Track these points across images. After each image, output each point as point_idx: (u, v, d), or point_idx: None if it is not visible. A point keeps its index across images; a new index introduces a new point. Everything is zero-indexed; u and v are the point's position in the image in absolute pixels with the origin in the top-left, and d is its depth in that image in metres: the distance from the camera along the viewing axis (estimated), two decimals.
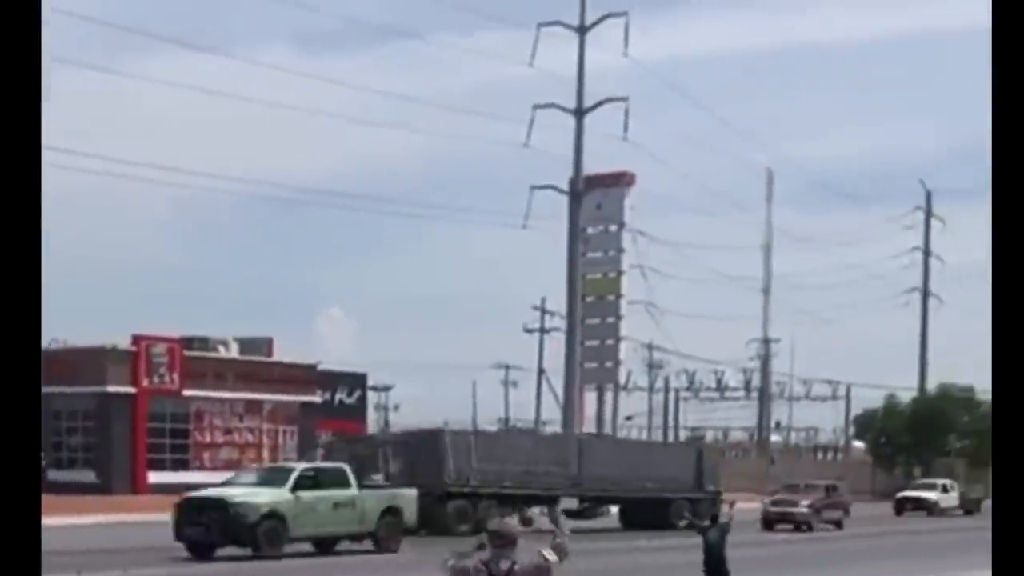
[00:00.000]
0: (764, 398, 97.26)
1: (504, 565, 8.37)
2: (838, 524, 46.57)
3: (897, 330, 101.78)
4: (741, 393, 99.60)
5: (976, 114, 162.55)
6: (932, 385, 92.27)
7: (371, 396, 75.32)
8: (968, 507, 66.34)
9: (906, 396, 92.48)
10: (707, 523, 21.36)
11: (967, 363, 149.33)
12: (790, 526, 45.61)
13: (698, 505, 43.59)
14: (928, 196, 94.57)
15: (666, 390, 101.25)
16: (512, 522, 8.74)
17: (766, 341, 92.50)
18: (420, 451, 40.97)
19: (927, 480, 71.98)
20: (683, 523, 21.30)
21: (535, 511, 43.45)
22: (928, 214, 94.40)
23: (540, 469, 42.68)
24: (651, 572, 28.17)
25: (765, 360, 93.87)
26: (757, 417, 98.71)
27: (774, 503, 47.66)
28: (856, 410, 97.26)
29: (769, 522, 45.85)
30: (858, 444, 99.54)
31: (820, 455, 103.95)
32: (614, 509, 46.25)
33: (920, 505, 64.66)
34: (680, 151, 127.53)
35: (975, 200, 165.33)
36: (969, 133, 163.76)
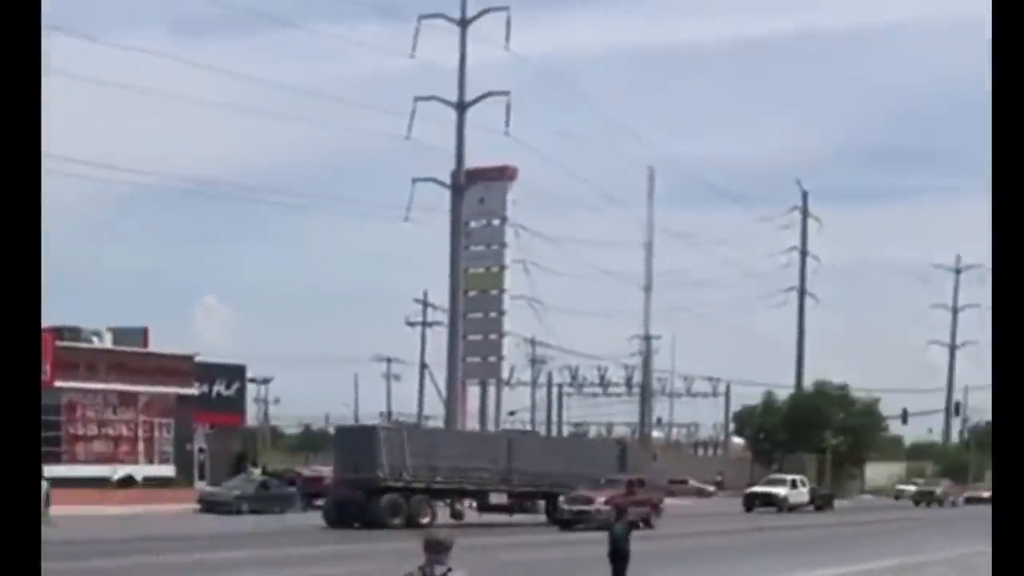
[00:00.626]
0: (646, 394, 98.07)
1: (439, 571, 8.70)
2: (646, 522, 41.55)
3: (775, 328, 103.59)
4: (623, 389, 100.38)
5: (850, 115, 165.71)
6: (809, 382, 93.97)
7: (250, 389, 74.55)
8: (820, 503, 66.61)
9: (784, 393, 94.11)
10: (614, 518, 22.24)
11: (842, 361, 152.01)
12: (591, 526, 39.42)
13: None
14: (804, 196, 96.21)
15: (549, 385, 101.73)
16: (446, 531, 9.09)
17: (647, 338, 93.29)
18: (355, 446, 43.01)
19: (777, 476, 71.13)
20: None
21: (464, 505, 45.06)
22: (805, 214, 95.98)
23: (471, 464, 44.09)
24: (563, 565, 28.65)
25: (647, 356, 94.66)
26: (639, 413, 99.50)
27: (571, 500, 42.98)
28: (735, 407, 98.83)
29: (566, 523, 42.05)
30: (737, 440, 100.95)
31: (701, 451, 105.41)
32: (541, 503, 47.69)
33: (768, 501, 63.23)
34: (562, 147, 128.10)
35: (849, 201, 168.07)
36: (843, 134, 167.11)
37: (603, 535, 20.81)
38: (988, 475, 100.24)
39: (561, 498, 43.57)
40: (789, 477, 68.32)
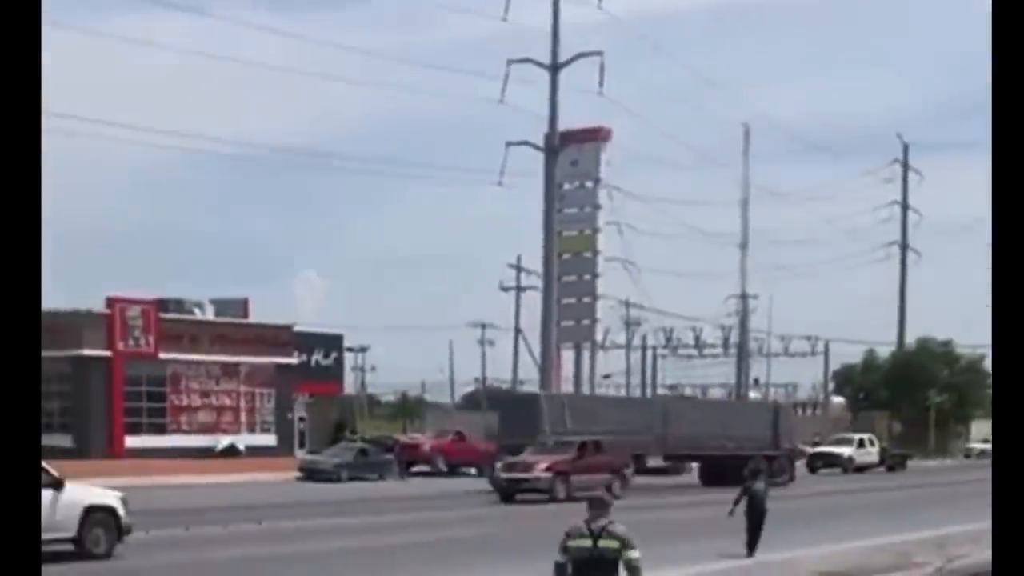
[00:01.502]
0: (742, 355, 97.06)
1: (600, 523, 10.47)
2: (609, 490, 32.72)
3: (875, 285, 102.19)
4: (719, 350, 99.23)
5: (952, 68, 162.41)
6: (911, 340, 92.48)
7: (348, 357, 74.77)
8: (892, 463, 63.38)
9: (885, 351, 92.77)
10: (750, 476, 22.30)
11: (946, 318, 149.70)
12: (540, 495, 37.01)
13: (775, 461, 45.77)
14: (905, 149, 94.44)
15: (644, 348, 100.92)
16: (605, 491, 11.58)
17: (743, 297, 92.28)
18: (519, 412, 45.55)
19: (844, 435, 67.18)
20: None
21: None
22: (905, 167, 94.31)
23: (628, 428, 45.09)
24: (705, 523, 27.64)
25: (743, 316, 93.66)
26: (736, 374, 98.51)
27: (507, 467, 38.83)
28: (835, 366, 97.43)
29: (504, 493, 38.22)
30: (837, 399, 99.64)
31: (799, 411, 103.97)
32: (694, 465, 49.91)
33: (832, 462, 60.18)
34: (656, 106, 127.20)
35: (952, 153, 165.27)
36: (944, 87, 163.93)
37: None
38: None
39: (497, 464, 40.87)
40: (856, 436, 64.96)
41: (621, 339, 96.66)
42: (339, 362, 66.68)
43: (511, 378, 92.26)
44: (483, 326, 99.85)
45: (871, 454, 62.49)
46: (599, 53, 62.22)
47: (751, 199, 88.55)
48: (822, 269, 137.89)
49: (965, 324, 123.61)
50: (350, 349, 78.21)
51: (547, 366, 68.05)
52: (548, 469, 38.05)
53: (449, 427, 62.11)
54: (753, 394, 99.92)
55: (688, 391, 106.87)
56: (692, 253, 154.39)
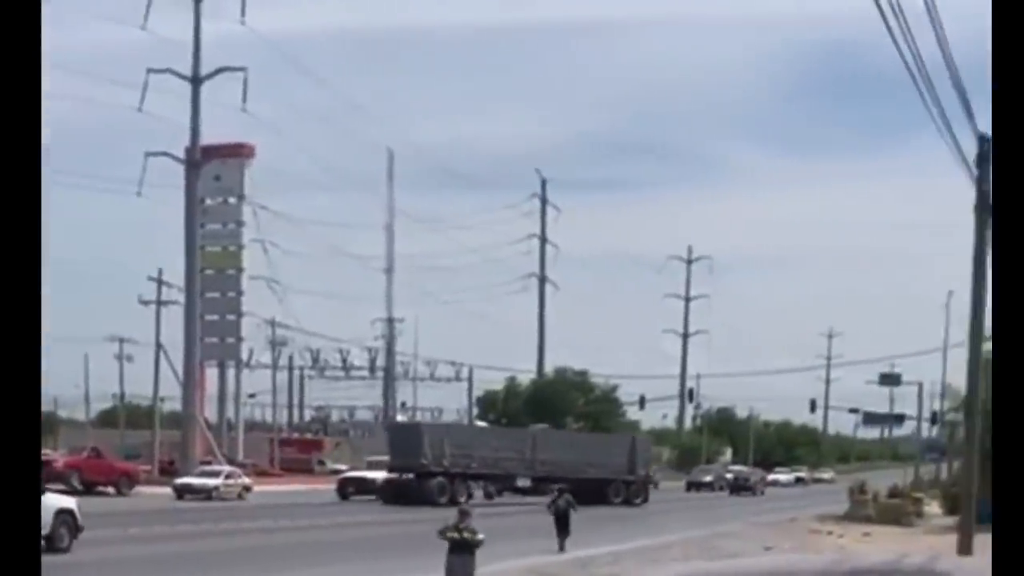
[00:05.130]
0: (389, 378, 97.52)
1: (465, 523, 17.04)
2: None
3: (517, 314, 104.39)
4: (366, 372, 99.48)
5: (592, 108, 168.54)
6: (550, 368, 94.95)
7: None
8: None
9: (526, 378, 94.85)
10: (555, 495, 30.41)
11: (582, 348, 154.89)
12: None
13: (631, 486, 55.52)
14: (543, 184, 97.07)
15: (290, 368, 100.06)
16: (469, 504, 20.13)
17: (390, 321, 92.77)
18: (406, 439, 52.18)
19: (379, 458, 59.40)
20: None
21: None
22: (544, 201, 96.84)
23: (501, 455, 52.60)
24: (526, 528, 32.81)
25: (390, 340, 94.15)
26: (383, 397, 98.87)
27: None
28: (479, 391, 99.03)
29: None
30: (481, 424, 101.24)
31: None
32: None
33: (364, 488, 54.30)
34: (302, 126, 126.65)
35: (587, 191, 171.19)
36: (580, 125, 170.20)
37: None
38: (721, 459, 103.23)
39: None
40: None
41: (267, 358, 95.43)
42: None
43: (152, 395, 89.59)
44: (121, 340, 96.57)
45: None
46: (243, 69, 61.43)
47: (397, 224, 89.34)
48: (466, 296, 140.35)
49: (600, 354, 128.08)
50: None
51: (190, 383, 66.42)
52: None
53: (85, 444, 59.60)
54: (400, 417, 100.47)
55: (335, 413, 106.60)
56: (339, 275, 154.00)
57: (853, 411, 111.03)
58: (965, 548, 23.40)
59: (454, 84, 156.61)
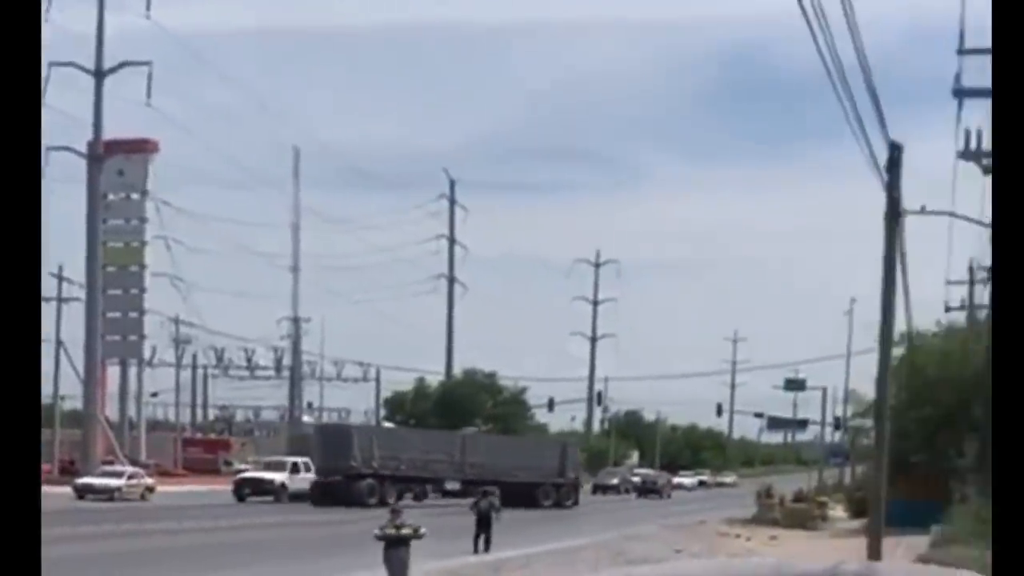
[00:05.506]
0: (295, 378, 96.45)
1: (399, 520, 19.47)
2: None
3: (425, 315, 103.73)
4: (272, 372, 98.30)
5: (497, 109, 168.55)
6: (459, 370, 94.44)
7: None
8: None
9: (435, 380, 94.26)
10: (478, 497, 31.17)
11: (490, 349, 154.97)
12: None
13: (561, 489, 56.99)
14: (452, 185, 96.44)
15: (194, 367, 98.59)
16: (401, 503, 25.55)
17: (296, 320, 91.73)
18: (334, 441, 52.71)
19: (277, 458, 59.87)
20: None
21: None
22: (452, 202, 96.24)
23: (431, 458, 53.58)
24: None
25: (296, 339, 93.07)
26: (288, 397, 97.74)
27: None
28: (386, 392, 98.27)
29: None
30: (389, 426, 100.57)
31: None
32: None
33: (261, 489, 53.01)
34: (207, 123, 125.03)
35: (496, 192, 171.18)
36: (489, 127, 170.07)
37: None
38: (628, 462, 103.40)
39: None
40: (291, 459, 56.81)
41: (170, 356, 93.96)
42: None
43: (52, 393, 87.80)
44: None
45: (307, 480, 54.41)
46: (147, 63, 60.34)
47: (306, 223, 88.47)
48: (375, 296, 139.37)
49: (508, 356, 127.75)
50: None
51: (91, 382, 65.25)
52: None
53: None
54: (307, 418, 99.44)
55: (240, 413, 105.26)
56: (245, 273, 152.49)
57: (758, 416, 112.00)
58: (875, 553, 23.30)
59: (363, 84, 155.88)
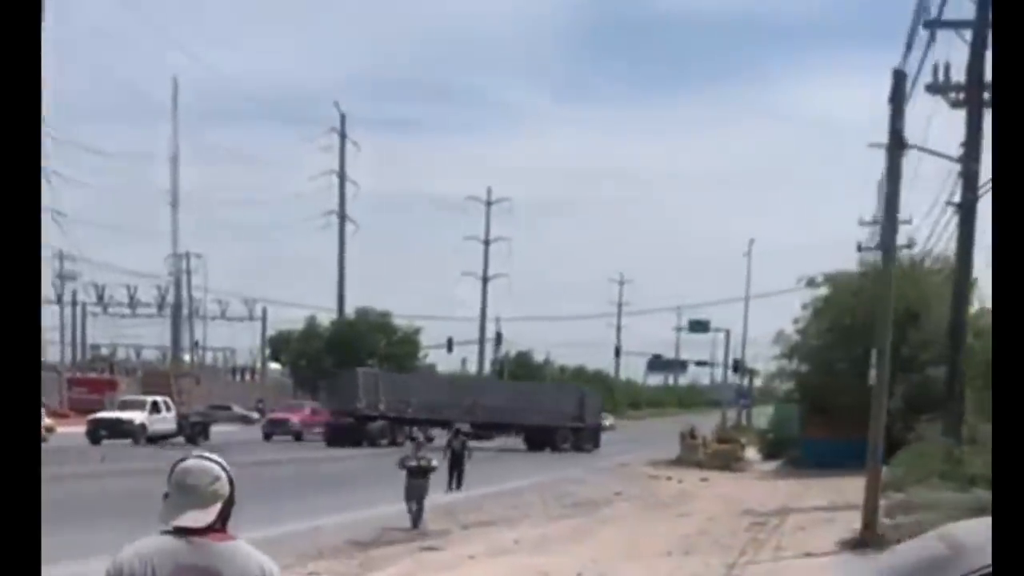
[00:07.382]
0: (178, 316, 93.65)
1: (421, 453, 22.45)
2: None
3: (316, 252, 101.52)
4: (154, 310, 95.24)
5: (383, 44, 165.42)
6: (351, 309, 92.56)
7: None
8: (193, 433, 51.84)
9: (326, 319, 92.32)
10: (451, 436, 32.62)
11: (383, 288, 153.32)
12: None
13: (579, 432, 59.05)
14: (342, 119, 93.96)
15: (73, 303, 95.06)
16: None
17: (177, 256, 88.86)
18: (343, 385, 56.57)
19: (135, 396, 55.83)
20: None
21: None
22: (343, 137, 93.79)
23: (441, 401, 55.48)
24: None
25: (178, 276, 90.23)
26: (171, 336, 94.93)
27: None
28: (274, 331, 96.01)
29: None
30: (275, 366, 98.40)
31: (237, 377, 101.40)
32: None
33: (118, 430, 49.62)
34: (90, 52, 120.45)
35: (385, 129, 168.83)
36: (377, 62, 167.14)
37: None
38: None
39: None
40: (151, 399, 52.92)
41: (50, 294, 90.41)
42: None
43: None
44: None
45: (168, 420, 51.63)
46: None
47: (191, 157, 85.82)
48: (262, 233, 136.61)
49: (401, 295, 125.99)
50: None
51: None
52: None
53: None
54: (188, 357, 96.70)
55: (121, 352, 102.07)
56: (129, 207, 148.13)
57: (657, 357, 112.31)
58: (872, 497, 22.30)
59: (250, 15, 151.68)
